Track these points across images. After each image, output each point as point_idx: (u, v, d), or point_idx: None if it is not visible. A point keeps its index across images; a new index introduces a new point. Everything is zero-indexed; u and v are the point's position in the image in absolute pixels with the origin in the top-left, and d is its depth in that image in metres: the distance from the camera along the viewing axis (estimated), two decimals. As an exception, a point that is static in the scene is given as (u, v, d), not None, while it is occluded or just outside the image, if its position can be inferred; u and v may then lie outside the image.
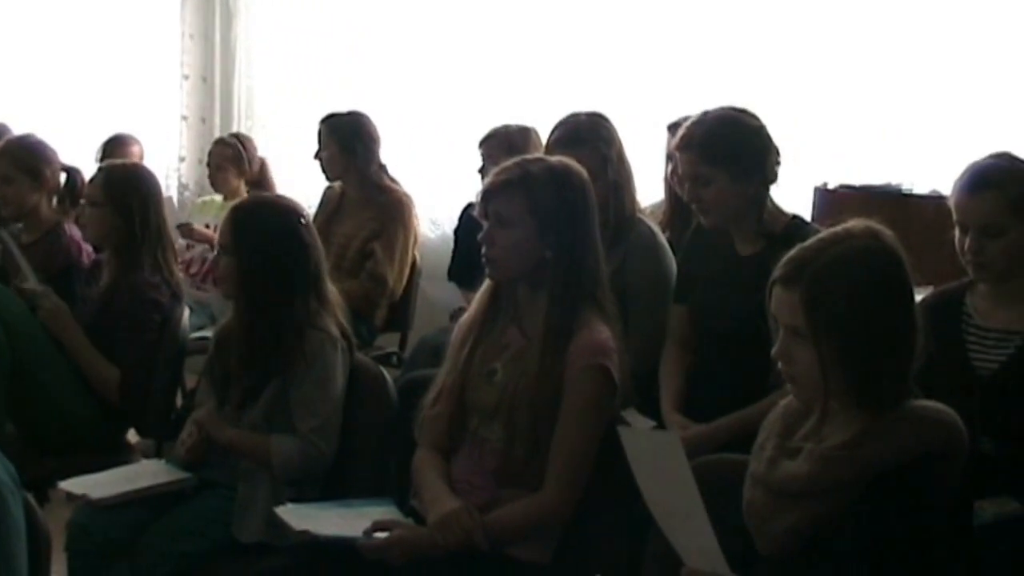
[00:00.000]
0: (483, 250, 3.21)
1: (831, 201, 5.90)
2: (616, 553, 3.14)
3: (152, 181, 4.55)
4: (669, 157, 4.69)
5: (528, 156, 3.41)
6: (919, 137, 6.29)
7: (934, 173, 6.01)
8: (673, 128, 4.68)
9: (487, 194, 3.19)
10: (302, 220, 3.72)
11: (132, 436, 4.59)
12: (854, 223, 2.50)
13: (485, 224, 3.22)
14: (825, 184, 6.01)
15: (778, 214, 3.81)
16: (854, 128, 6.36)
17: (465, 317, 3.38)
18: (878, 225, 2.49)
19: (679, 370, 3.94)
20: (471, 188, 5.93)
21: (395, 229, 5.72)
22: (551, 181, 3.17)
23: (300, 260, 3.62)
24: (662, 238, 4.29)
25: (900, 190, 5.92)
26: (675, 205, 4.81)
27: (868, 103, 6.33)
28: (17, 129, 6.34)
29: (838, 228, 2.49)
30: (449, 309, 5.45)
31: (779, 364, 2.44)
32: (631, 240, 4.14)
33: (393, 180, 5.96)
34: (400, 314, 5.87)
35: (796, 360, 2.39)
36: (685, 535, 2.31)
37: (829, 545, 2.33)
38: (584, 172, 3.28)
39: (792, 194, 3.83)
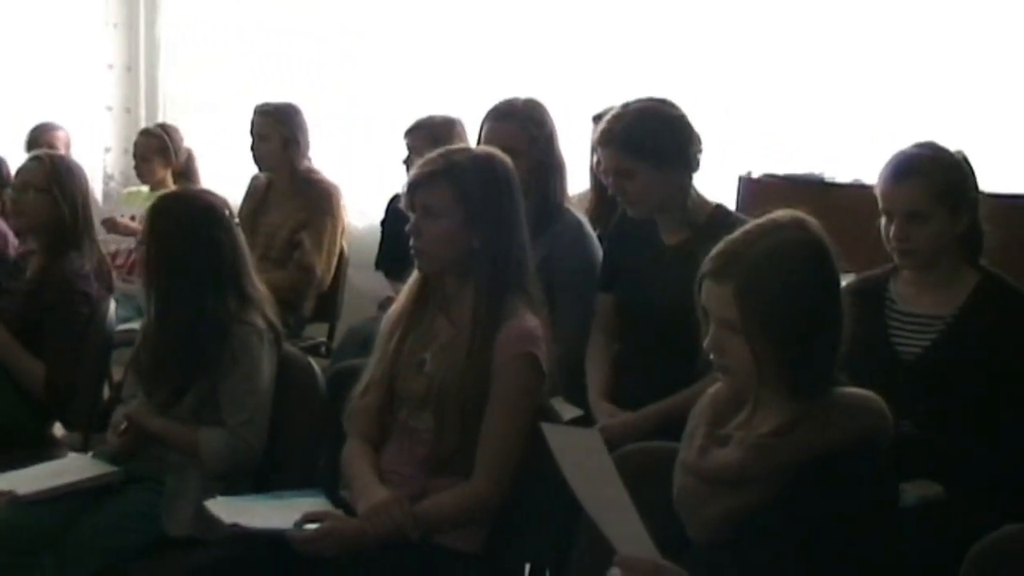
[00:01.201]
0: (411, 242, 3.20)
1: (755, 190, 5.94)
2: (546, 540, 3.16)
3: (83, 172, 4.55)
4: (594, 148, 4.71)
5: (452, 147, 3.41)
6: (841, 126, 6.35)
7: (856, 162, 6.10)
8: (598, 119, 4.70)
9: (413, 186, 3.19)
10: (225, 216, 3.71)
11: (58, 429, 4.56)
12: (780, 214, 2.53)
13: (412, 216, 3.21)
14: (749, 173, 6.06)
15: (702, 203, 3.85)
16: (778, 117, 6.42)
17: (394, 307, 3.38)
18: (804, 215, 2.52)
19: (605, 358, 3.97)
20: (398, 178, 5.95)
21: (323, 219, 5.72)
22: (476, 170, 3.18)
23: (215, 258, 3.60)
24: (589, 228, 4.31)
25: (823, 179, 5.98)
26: (600, 195, 4.83)
27: (791, 93, 6.40)
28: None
29: (764, 219, 2.51)
30: (377, 299, 5.45)
31: (711, 355, 2.47)
32: (558, 229, 4.17)
33: (316, 171, 5.95)
34: (328, 304, 5.88)
35: (728, 352, 2.42)
36: (615, 524, 2.33)
37: (760, 531, 2.36)
38: (508, 160, 3.28)
39: (717, 183, 3.87)
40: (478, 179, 3.16)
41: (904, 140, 3.55)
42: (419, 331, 3.24)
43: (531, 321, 3.12)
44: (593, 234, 4.29)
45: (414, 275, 3.34)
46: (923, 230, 3.31)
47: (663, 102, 3.81)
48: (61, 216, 4.38)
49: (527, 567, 3.38)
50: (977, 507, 3.13)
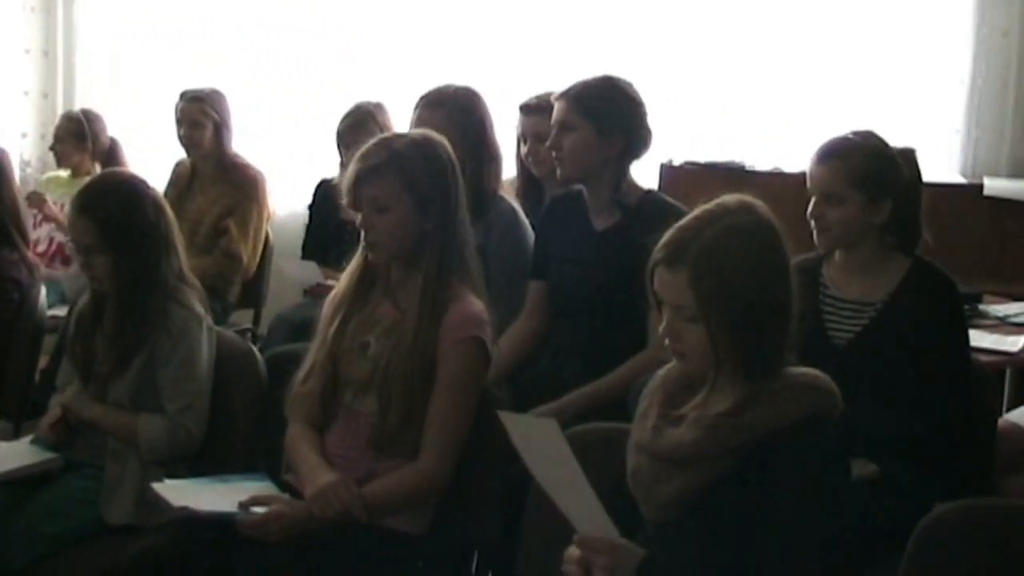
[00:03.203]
0: (363, 235, 3.21)
1: (676, 177, 6.04)
2: (491, 522, 3.21)
3: (4, 157, 4.48)
4: (523, 137, 4.74)
5: (387, 135, 3.41)
6: (760, 115, 6.46)
7: (775, 150, 6.22)
8: (525, 108, 4.75)
9: (357, 181, 3.17)
10: (157, 195, 3.71)
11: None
12: (728, 198, 2.56)
13: (357, 211, 3.20)
14: (670, 160, 6.15)
15: (634, 187, 3.91)
16: (697, 105, 6.51)
17: (334, 292, 3.37)
18: (750, 198, 2.57)
19: (516, 341, 4.00)
20: (321, 164, 5.97)
21: (248, 206, 5.72)
22: (419, 155, 3.19)
23: (152, 234, 3.59)
24: (523, 215, 4.34)
25: (743, 167, 6.09)
26: (527, 184, 4.87)
27: (712, 81, 6.49)
28: None
29: (712, 205, 2.55)
30: (303, 285, 5.46)
31: (665, 341, 2.51)
32: (491, 217, 4.20)
33: (241, 157, 5.94)
34: (253, 291, 5.87)
35: (684, 338, 2.46)
36: (574, 505, 2.39)
37: (714, 508, 2.41)
38: (447, 142, 3.30)
39: (638, 170, 3.94)
40: (423, 165, 3.18)
41: (827, 129, 3.65)
42: (362, 315, 3.25)
43: (476, 305, 3.16)
44: (527, 223, 4.32)
45: (355, 260, 3.33)
46: (836, 212, 3.41)
47: (630, 84, 3.90)
48: None
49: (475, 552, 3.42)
50: (910, 485, 3.23)
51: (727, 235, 2.46)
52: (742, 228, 2.49)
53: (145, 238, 3.57)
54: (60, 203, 6.05)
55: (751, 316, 2.43)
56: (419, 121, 4.25)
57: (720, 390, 2.47)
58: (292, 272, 5.57)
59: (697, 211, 2.56)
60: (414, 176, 3.15)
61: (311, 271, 5.35)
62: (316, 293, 5.20)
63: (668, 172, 6.07)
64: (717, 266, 2.43)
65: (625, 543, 2.39)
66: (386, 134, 3.44)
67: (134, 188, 3.66)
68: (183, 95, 5.84)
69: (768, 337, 2.45)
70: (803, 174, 3.55)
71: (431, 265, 3.16)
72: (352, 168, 3.21)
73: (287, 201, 6.55)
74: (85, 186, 3.73)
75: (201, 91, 5.84)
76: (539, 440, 2.37)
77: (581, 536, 2.40)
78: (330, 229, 5.46)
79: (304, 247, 5.66)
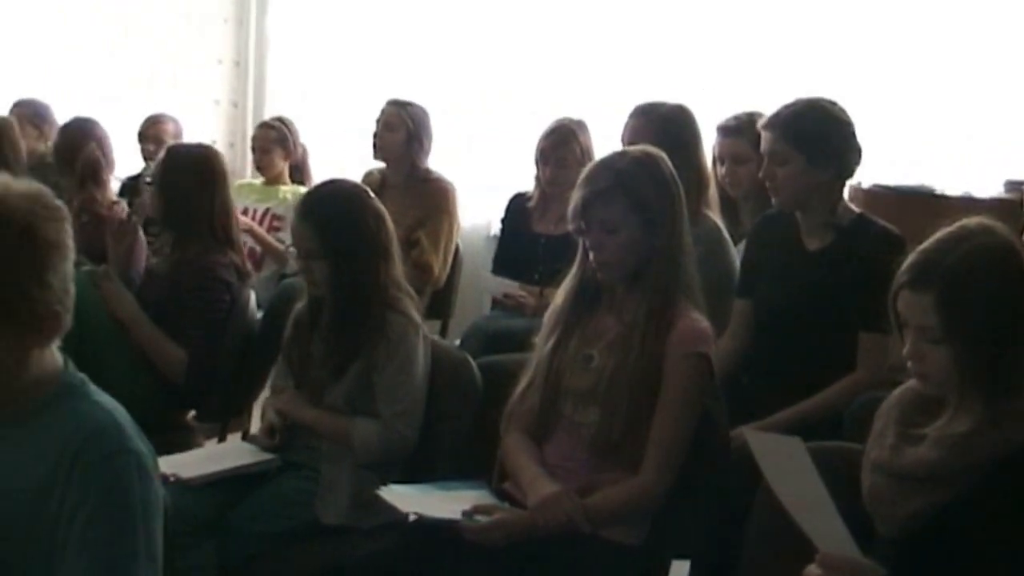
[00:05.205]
0: (592, 256, 3.24)
1: (865, 200, 5.98)
2: (706, 535, 3.22)
3: (214, 164, 4.57)
4: (720, 159, 4.74)
5: (610, 155, 3.43)
6: (951, 140, 6.39)
7: (965, 176, 6.13)
8: (723, 130, 4.74)
9: (586, 205, 3.20)
10: (377, 203, 3.78)
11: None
12: (967, 221, 2.56)
13: (583, 235, 3.24)
14: (859, 184, 6.09)
15: (847, 209, 3.89)
16: (886, 129, 6.45)
17: (553, 307, 3.41)
18: (991, 221, 2.56)
19: (720, 359, 3.97)
20: (515, 177, 6.02)
21: (440, 218, 5.77)
22: (644, 173, 3.23)
23: (371, 243, 3.67)
24: (726, 234, 4.35)
25: (933, 191, 6.01)
26: (721, 204, 4.87)
27: (903, 105, 6.43)
28: (61, 112, 6.41)
29: (955, 227, 2.55)
30: (489, 295, 5.53)
31: (908, 363, 2.52)
32: (697, 233, 4.20)
33: (432, 170, 6.02)
34: (442, 302, 5.93)
35: (927, 359, 2.47)
36: (817, 525, 2.41)
37: (953, 528, 2.42)
38: (666, 156, 3.33)
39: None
40: (647, 182, 3.22)
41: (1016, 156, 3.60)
42: (584, 329, 3.29)
43: (703, 322, 3.19)
44: (730, 241, 4.34)
45: (572, 275, 3.37)
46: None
47: (834, 104, 3.86)
48: (179, 209, 4.44)
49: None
50: None
51: (973, 257, 2.47)
52: (987, 250, 2.49)
53: (364, 246, 3.65)
54: (253, 209, 6.20)
55: (996, 337, 2.43)
56: (633, 131, 4.29)
57: (962, 410, 2.46)
58: (483, 284, 5.61)
59: (940, 233, 2.56)
60: (641, 195, 3.19)
61: (497, 282, 5.39)
62: (504, 305, 5.27)
63: (857, 195, 6.01)
64: (963, 288, 2.44)
65: (868, 563, 2.41)
66: (610, 155, 3.47)
67: (356, 197, 3.75)
68: (390, 100, 5.95)
69: (1012, 357, 2.44)
70: (994, 199, 3.50)
71: (658, 280, 3.19)
72: (579, 192, 3.24)
73: (473, 213, 6.61)
74: (308, 193, 3.84)
75: (405, 101, 5.94)
76: (784, 458, 2.40)
77: (823, 555, 2.42)
78: (522, 243, 5.50)
79: (496, 260, 5.70)
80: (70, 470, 2.23)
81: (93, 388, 2.38)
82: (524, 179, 5.67)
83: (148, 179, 4.66)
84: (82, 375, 2.39)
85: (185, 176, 4.46)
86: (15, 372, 2.28)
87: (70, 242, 2.29)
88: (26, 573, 2.27)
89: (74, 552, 2.21)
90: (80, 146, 5.15)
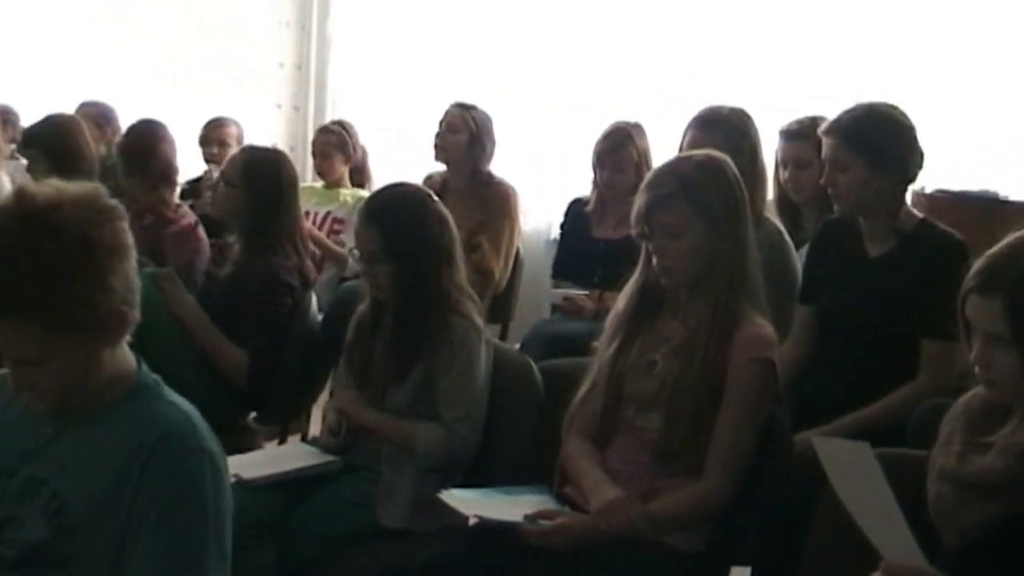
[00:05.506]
0: (655, 261, 3.24)
1: (927, 206, 5.94)
2: (767, 542, 3.21)
3: (291, 169, 4.60)
4: (784, 163, 4.72)
5: (674, 160, 3.43)
6: (1014, 144, 6.33)
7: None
8: (785, 134, 4.72)
9: (649, 210, 3.20)
10: (441, 207, 3.78)
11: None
12: None
13: (646, 239, 3.24)
14: (922, 188, 6.05)
15: (909, 215, 3.87)
16: (949, 133, 6.40)
17: (614, 312, 3.40)
18: None
19: (782, 365, 3.97)
20: (575, 181, 6.02)
21: (501, 222, 5.76)
22: (708, 179, 3.22)
23: (435, 247, 3.67)
24: (788, 237, 4.34)
25: (997, 196, 5.96)
26: (784, 209, 4.85)
27: (966, 108, 6.38)
28: (124, 114, 6.46)
29: (1022, 232, 2.54)
30: (550, 300, 5.52)
31: (976, 369, 2.50)
32: (759, 237, 4.18)
33: (493, 174, 6.02)
34: (503, 306, 5.92)
35: (995, 364, 2.45)
36: (883, 533, 2.39)
37: (1020, 538, 2.40)
38: (730, 160, 3.32)
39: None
40: (711, 187, 3.20)
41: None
42: (647, 334, 3.29)
43: (766, 327, 3.18)
44: (792, 245, 4.32)
45: (634, 280, 3.37)
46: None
47: (895, 108, 3.84)
48: (254, 210, 4.46)
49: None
50: None
51: None
52: None
53: (428, 249, 3.65)
54: (314, 212, 6.22)
55: None
56: (693, 142, 4.27)
57: None
58: (541, 288, 5.61)
59: (1010, 238, 2.54)
60: (705, 200, 3.18)
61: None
62: (563, 309, 5.26)
63: (920, 200, 5.97)
64: None
65: (933, 572, 2.38)
66: (671, 159, 3.45)
67: (420, 200, 3.75)
68: (454, 103, 5.95)
69: None
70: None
71: (722, 285, 3.18)
72: (642, 197, 3.24)
73: (533, 217, 6.61)
74: (372, 196, 3.85)
75: (471, 104, 5.94)
76: (851, 463, 2.38)
77: (888, 563, 2.40)
78: (581, 248, 5.49)
79: (555, 265, 5.67)
80: (143, 468, 2.27)
81: (167, 389, 2.41)
82: (584, 183, 5.65)
83: (220, 181, 4.66)
84: (156, 376, 2.42)
85: (263, 179, 4.50)
86: (89, 373, 2.31)
87: (129, 240, 2.32)
88: (91, 569, 2.30)
89: (146, 549, 2.25)
90: (149, 148, 5.18)
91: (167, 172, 5.21)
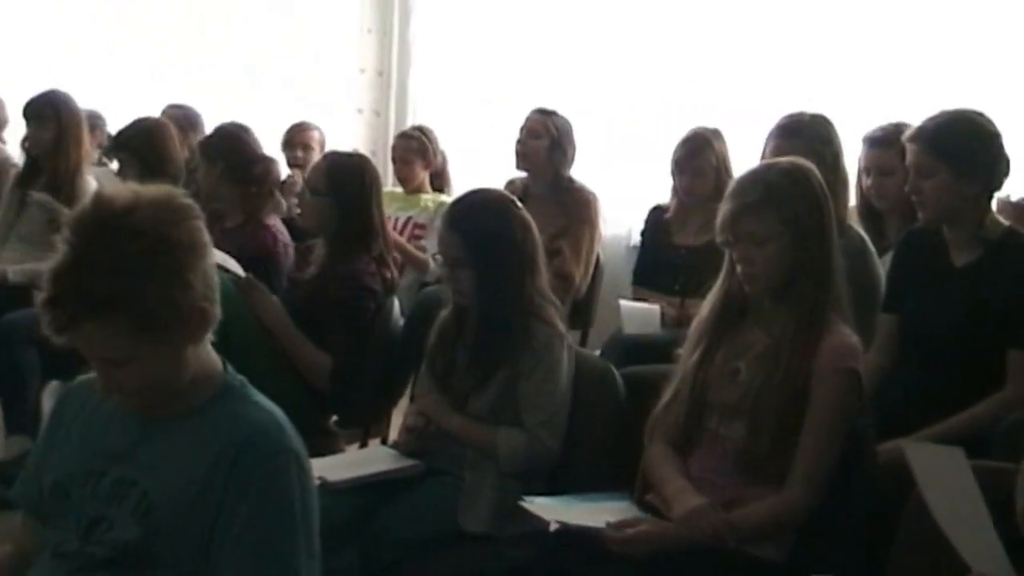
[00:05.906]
0: (740, 269, 3.23)
1: (1014, 214, 5.87)
2: (852, 552, 3.18)
3: (373, 173, 4.63)
4: (867, 170, 4.69)
5: (760, 167, 3.42)
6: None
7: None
8: (869, 141, 4.69)
9: (735, 217, 3.19)
10: (523, 213, 3.79)
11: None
12: None
13: (732, 248, 3.23)
14: (1008, 196, 5.98)
15: (995, 223, 3.83)
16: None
17: (698, 320, 3.40)
18: None
19: (864, 374, 3.96)
20: (655, 187, 6.01)
21: (581, 228, 5.76)
22: (794, 187, 3.20)
23: (523, 243, 3.69)
24: (871, 245, 4.31)
25: (1087, 206, 5.88)
26: (867, 216, 4.82)
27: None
28: (208, 118, 6.53)
29: None
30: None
31: None
32: (842, 245, 4.16)
33: (574, 179, 6.02)
34: (583, 312, 5.92)
35: None
36: (971, 541, 2.37)
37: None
38: (815, 169, 3.30)
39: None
40: (798, 195, 3.19)
41: None
42: (731, 342, 3.28)
43: (851, 336, 3.16)
44: (875, 253, 4.29)
45: (717, 288, 3.36)
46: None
47: (981, 115, 3.81)
48: (339, 216, 4.49)
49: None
50: None
51: None
52: None
53: (510, 255, 3.66)
54: (395, 218, 6.24)
55: None
56: (776, 150, 4.25)
57: None
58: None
59: None
60: (790, 208, 3.16)
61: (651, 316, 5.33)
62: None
63: (1004, 208, 5.91)
64: None
65: (1022, 583, 2.37)
66: (757, 166, 3.44)
67: (503, 206, 3.77)
68: (536, 108, 5.97)
69: None
70: None
71: (807, 293, 3.16)
72: (727, 204, 3.23)
73: (613, 223, 6.60)
74: (455, 201, 3.87)
75: (552, 110, 5.95)
76: (942, 469, 2.37)
77: (976, 574, 2.38)
78: (662, 255, 5.47)
79: (636, 272, 5.65)
80: (230, 468, 2.30)
81: (253, 390, 2.45)
82: (664, 189, 5.64)
83: (306, 190, 4.70)
84: (242, 377, 2.45)
85: (347, 183, 4.53)
86: (174, 372, 2.35)
87: (206, 238, 2.36)
88: (180, 568, 2.33)
89: (235, 549, 2.28)
90: (252, 154, 5.21)
91: (267, 177, 5.24)
